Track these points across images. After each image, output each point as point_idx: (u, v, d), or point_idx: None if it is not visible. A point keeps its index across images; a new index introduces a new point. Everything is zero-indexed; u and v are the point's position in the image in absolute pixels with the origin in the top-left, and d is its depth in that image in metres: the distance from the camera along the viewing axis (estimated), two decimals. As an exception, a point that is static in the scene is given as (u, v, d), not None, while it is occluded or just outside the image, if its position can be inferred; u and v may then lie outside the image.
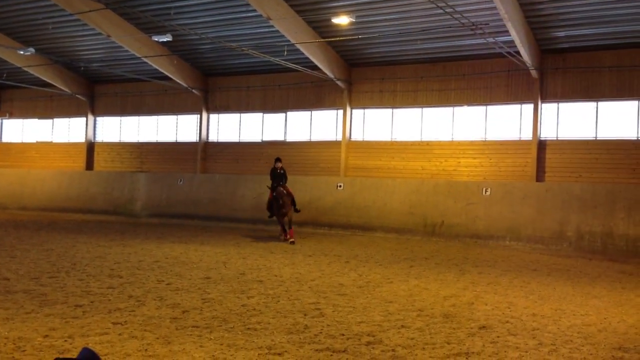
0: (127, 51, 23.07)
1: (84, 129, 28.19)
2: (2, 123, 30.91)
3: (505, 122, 19.75)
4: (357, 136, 22.22)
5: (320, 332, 6.47)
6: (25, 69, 25.77)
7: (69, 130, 29.00)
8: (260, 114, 24.19)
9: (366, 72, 21.96)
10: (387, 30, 19.12)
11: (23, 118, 30.19)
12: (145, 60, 23.00)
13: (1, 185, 28.87)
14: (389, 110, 21.73)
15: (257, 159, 23.87)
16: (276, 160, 17.26)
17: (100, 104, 27.97)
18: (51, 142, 29.39)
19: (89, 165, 27.94)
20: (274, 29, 19.42)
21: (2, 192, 28.59)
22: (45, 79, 26.51)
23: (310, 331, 6.51)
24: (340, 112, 22.34)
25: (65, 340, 5.80)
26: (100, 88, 27.92)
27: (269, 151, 23.60)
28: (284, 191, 16.43)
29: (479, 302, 8.55)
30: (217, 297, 8.23)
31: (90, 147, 28.04)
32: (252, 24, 20.04)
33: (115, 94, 27.48)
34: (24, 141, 30.23)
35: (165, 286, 8.98)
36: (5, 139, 30.84)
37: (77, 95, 27.61)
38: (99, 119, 28.14)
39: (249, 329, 6.56)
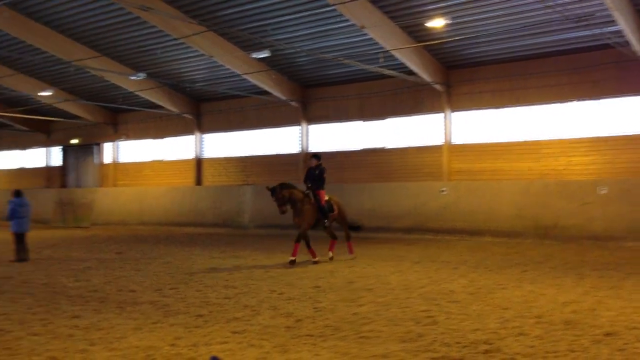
0: (228, 69, 24.00)
1: (192, 146, 29.58)
2: (119, 145, 33.01)
3: (619, 116, 18.67)
4: (458, 139, 21.79)
5: (435, 340, 6.40)
6: (137, 93, 27.43)
7: (178, 148, 30.52)
8: (359, 122, 24.34)
9: (464, 73, 21.55)
10: (485, 29, 18.67)
11: (138, 139, 32.13)
12: (245, 76, 23.83)
13: (122, 203, 30.82)
14: (491, 111, 21.18)
15: (358, 168, 24.03)
16: (311, 158, 14.03)
17: (206, 122, 29.24)
18: (163, 160, 31.05)
19: (198, 180, 29.24)
20: (368, 37, 19.51)
21: (123, 209, 30.51)
22: (155, 101, 28.08)
23: (424, 339, 6.45)
24: (440, 115, 22.04)
25: (190, 349, 6.10)
26: (205, 106, 29.20)
27: (370, 159, 23.69)
28: (285, 196, 13.17)
29: (601, 307, 8.11)
30: (328, 306, 8.34)
31: (199, 163, 29.35)
32: (346, 33, 20.24)
33: (219, 111, 28.63)
34: (139, 160, 32.13)
35: (278, 296, 9.22)
36: (122, 159, 32.91)
37: (184, 115, 29.03)
38: (205, 135, 29.41)
39: (362, 337, 6.60)
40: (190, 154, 29.77)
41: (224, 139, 28.79)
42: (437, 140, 22.16)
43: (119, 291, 9.68)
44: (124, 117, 32.43)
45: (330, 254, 13.89)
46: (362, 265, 12.95)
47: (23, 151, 39.08)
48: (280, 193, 13.23)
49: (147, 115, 30.62)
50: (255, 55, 20.13)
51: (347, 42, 20.97)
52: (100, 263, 13.72)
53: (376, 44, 19.73)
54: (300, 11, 19.37)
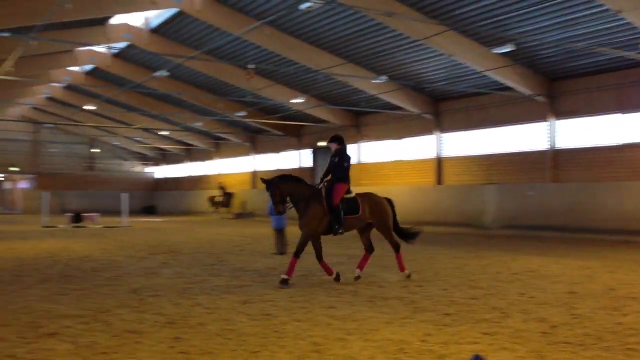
0: (467, 67, 23.64)
1: (432, 145, 29.72)
2: (361, 146, 34.57)
3: None
4: None
5: None
6: (379, 95, 28.45)
7: (418, 147, 30.91)
8: (616, 115, 22.13)
9: None
10: None
11: (378, 140, 33.31)
12: (486, 73, 23.23)
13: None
14: None
15: (615, 164, 21.88)
16: (330, 141, 10.89)
17: (446, 121, 29.14)
18: (403, 160, 31.72)
19: (439, 179, 29.29)
20: (624, 22, 17.65)
21: (365, 207, 31.87)
22: (395, 102, 28.82)
23: None
24: None
25: (441, 346, 6.14)
26: (444, 105, 29.13)
27: (629, 155, 21.42)
28: (284, 191, 10.29)
29: None
30: (586, 313, 7.74)
31: (439, 162, 29.39)
32: (599, 19, 18.54)
33: (458, 109, 28.34)
34: (380, 161, 33.29)
35: (528, 299, 8.81)
36: (364, 160, 34.40)
37: (424, 115, 29.30)
38: (445, 134, 29.34)
39: (629, 349, 6.00)
40: (430, 154, 29.96)
41: (465, 137, 28.40)
42: None
43: (368, 286, 10.13)
44: (366, 119, 33.85)
45: (358, 271, 10.77)
46: (624, 271, 11.76)
47: (278, 154, 43.09)
48: (277, 188, 10.26)
49: (388, 116, 31.58)
50: (497, 50, 19.50)
51: (599, 29, 19.20)
52: (349, 258, 14.49)
53: (634, 28, 17.78)
54: (544, 0, 18.27)
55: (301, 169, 40.14)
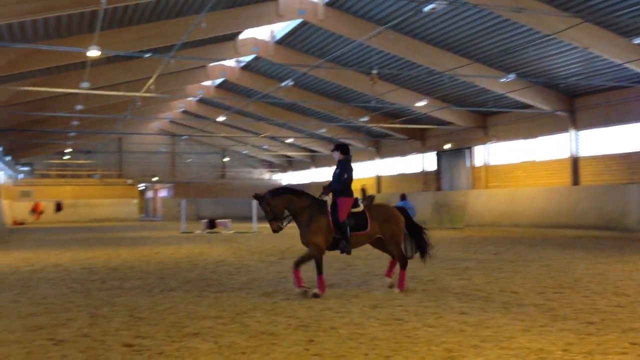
0: (605, 60, 22.19)
1: (566, 144, 28.15)
2: (490, 147, 33.49)
3: None
4: None
5: None
6: (507, 94, 27.43)
7: (551, 147, 29.41)
8: None
9: None
10: None
11: (508, 140, 32.09)
12: (626, 65, 21.66)
13: (493, 205, 31.19)
14: None
15: None
16: (333, 150, 10.06)
17: (582, 117, 27.50)
18: (535, 160, 30.31)
19: (575, 180, 27.67)
20: None
21: (494, 211, 30.84)
22: (525, 100, 27.65)
23: None
24: None
25: (585, 356, 5.77)
26: (580, 101, 27.50)
27: None
28: (276, 207, 9.55)
29: None
30: None
31: (575, 161, 27.77)
32: None
33: (596, 105, 26.65)
34: (510, 162, 32.05)
35: (683, 309, 8.07)
36: (493, 162, 33.29)
37: (556, 112, 27.84)
38: (581, 132, 27.68)
39: None
40: (564, 153, 28.40)
41: (603, 134, 26.62)
42: None
43: (502, 292, 9.76)
44: (494, 119, 32.76)
45: (389, 280, 10.06)
46: None
47: (402, 158, 42.85)
48: (268, 204, 9.46)
49: (517, 115, 30.36)
50: (638, 40, 18.11)
51: None
52: (478, 263, 14.08)
53: None
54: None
55: (425, 173, 39.63)
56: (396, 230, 9.82)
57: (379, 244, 10.10)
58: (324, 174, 55.59)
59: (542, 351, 5.99)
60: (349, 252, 9.66)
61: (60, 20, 20.41)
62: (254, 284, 11.08)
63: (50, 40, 21.85)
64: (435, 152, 38.43)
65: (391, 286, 9.85)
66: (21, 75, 25.38)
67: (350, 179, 9.70)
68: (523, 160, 31.08)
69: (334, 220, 9.42)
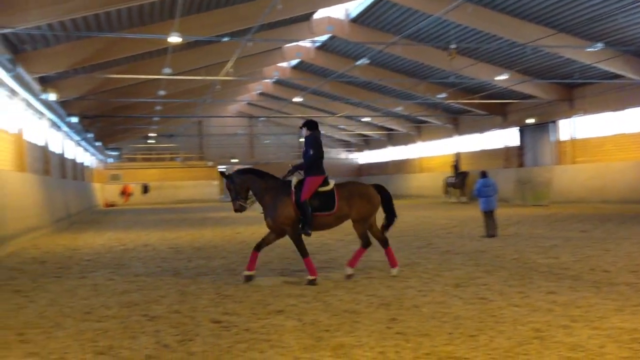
0: None
1: (660, 115, 26.56)
2: (576, 120, 32.06)
3: None
4: None
5: None
6: (594, 64, 26.08)
7: (643, 119, 27.84)
8: None
9: None
10: None
11: (595, 113, 30.62)
12: None
13: (580, 181, 29.94)
14: None
15: None
16: (301, 126, 9.49)
17: (677, 87, 25.83)
18: (625, 133, 28.80)
19: (670, 153, 26.12)
20: None
21: (582, 187, 29.60)
22: (614, 70, 26.23)
23: None
24: None
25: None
26: (675, 69, 25.80)
27: None
28: (238, 187, 9.29)
29: None
30: None
31: (669, 134, 26.17)
32: None
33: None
34: (599, 135, 30.59)
35: None
36: (580, 135, 31.87)
37: (649, 82, 26.28)
38: (676, 102, 26.02)
39: None
40: (657, 125, 26.81)
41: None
42: None
43: (592, 270, 9.40)
44: (580, 91, 31.32)
45: (395, 271, 9.42)
46: None
47: (481, 134, 41.76)
48: (232, 182, 9.31)
49: (606, 87, 28.88)
50: None
51: None
52: (565, 241, 13.60)
53: None
54: None
55: (507, 149, 38.49)
56: (366, 210, 9.17)
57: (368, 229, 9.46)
58: (401, 152, 55.10)
59: (635, 331, 5.75)
60: (307, 234, 9.07)
61: (142, 8, 21.07)
62: (334, 262, 11.18)
63: (134, 29, 22.62)
64: (517, 127, 37.19)
65: (394, 275, 9.25)
66: (108, 64, 26.46)
67: (316, 155, 9.10)
68: (613, 134, 29.57)
69: (296, 200, 8.97)
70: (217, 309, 7.22)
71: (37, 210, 19.49)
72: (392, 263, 9.45)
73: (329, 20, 28.85)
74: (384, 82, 35.87)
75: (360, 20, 28.58)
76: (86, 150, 42.55)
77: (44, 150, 27.34)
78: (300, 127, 9.44)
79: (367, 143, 63.01)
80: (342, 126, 56.67)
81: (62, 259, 12.78)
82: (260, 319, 6.65)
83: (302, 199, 8.90)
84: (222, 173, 9.72)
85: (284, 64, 38.94)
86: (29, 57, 21.51)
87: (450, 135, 45.37)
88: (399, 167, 55.13)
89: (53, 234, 19.43)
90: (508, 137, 38.57)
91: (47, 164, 27.36)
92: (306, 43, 33.05)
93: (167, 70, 24.33)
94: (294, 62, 38.33)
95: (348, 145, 65.49)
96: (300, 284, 8.84)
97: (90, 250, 14.50)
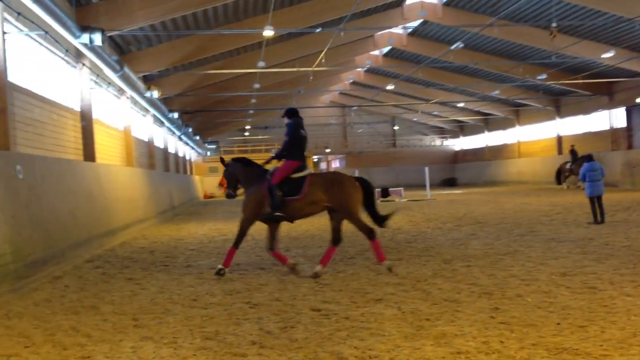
0: None
1: None
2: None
3: None
4: None
5: None
6: None
7: None
8: None
9: None
10: None
11: None
12: None
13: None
14: None
15: None
16: (282, 116, 9.68)
17: None
18: None
19: None
20: None
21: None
22: None
23: None
24: None
25: None
26: None
27: None
28: (230, 175, 9.69)
29: None
30: None
31: None
32: None
33: None
34: None
35: None
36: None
37: None
38: None
39: None
40: None
41: None
42: None
43: None
44: None
45: (319, 268, 8.90)
46: None
47: (586, 116, 39.67)
48: (226, 170, 9.69)
49: None
50: None
51: None
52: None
53: None
54: None
55: (613, 130, 36.37)
56: (346, 200, 8.93)
57: (331, 220, 9.25)
58: (498, 137, 53.43)
59: None
60: (277, 218, 9.13)
61: (237, 4, 21.63)
62: (432, 251, 11.04)
63: (229, 25, 23.28)
64: (625, 107, 35.01)
65: (316, 275, 8.71)
66: (205, 60, 27.41)
67: (291, 141, 9.20)
68: None
69: (268, 186, 9.05)
70: (317, 297, 7.33)
71: (144, 202, 20.55)
72: (324, 261, 9.06)
73: (422, 5, 28.36)
74: (480, 65, 34.83)
75: (454, 3, 27.89)
76: (186, 144, 44.37)
77: (148, 145, 28.79)
78: (282, 117, 9.58)
79: (462, 129, 61.59)
80: (435, 113, 55.69)
81: (169, 248, 13.43)
82: (360, 307, 6.68)
83: (273, 182, 9.00)
84: (221, 160, 9.93)
85: (376, 52, 38.74)
86: (134, 57, 22.68)
87: (551, 118, 43.45)
88: (496, 152, 53.51)
89: (159, 225, 20.44)
90: (615, 118, 36.41)
91: (152, 158, 28.79)
92: (398, 29, 32.67)
93: (262, 63, 24.87)
94: (386, 49, 38.02)
95: (442, 132, 64.30)
96: (397, 272, 8.79)
97: (193, 240, 15.13)
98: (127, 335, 5.88)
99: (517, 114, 48.08)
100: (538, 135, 46.19)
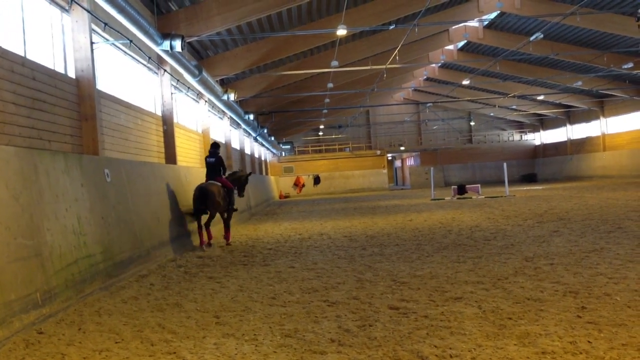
0: None
1: None
2: None
3: None
4: None
5: None
6: None
7: None
8: None
9: None
10: None
11: None
12: None
13: None
14: None
15: None
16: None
17: None
18: None
19: None
20: None
21: None
22: None
23: None
24: None
25: None
26: None
27: None
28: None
29: None
30: None
31: None
32: None
33: None
34: None
35: None
36: None
37: None
38: None
39: None
40: None
41: None
42: None
43: None
44: None
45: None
46: None
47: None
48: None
49: None
50: None
51: None
52: None
53: None
54: None
55: None
56: (213, 202, 14.20)
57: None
58: (581, 130, 51.27)
59: None
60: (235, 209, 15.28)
61: (311, 5, 21.82)
62: (512, 248, 10.74)
63: (303, 26, 23.53)
64: None
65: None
66: (280, 62, 27.82)
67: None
68: None
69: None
70: (394, 295, 7.29)
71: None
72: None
73: (498, -4, 27.65)
74: (561, 56, 33.57)
75: (532, -8, 27.03)
76: (262, 144, 45.18)
77: (226, 147, 29.51)
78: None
79: (542, 123, 59.54)
80: (514, 107, 54.12)
81: (247, 247, 13.72)
82: (439, 305, 6.59)
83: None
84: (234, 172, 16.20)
85: (450, 47, 38.09)
86: (211, 61, 23.33)
87: (639, 109, 41.32)
88: (579, 146, 51.39)
89: (237, 225, 20.90)
90: None
91: (229, 159, 29.49)
92: (473, 23, 32.00)
93: (335, 63, 24.97)
94: (461, 44, 37.32)
95: (521, 127, 62.39)
96: (476, 270, 8.62)
97: (270, 239, 15.39)
98: (209, 332, 6.06)
99: (601, 105, 46.02)
100: (625, 127, 44.04)
